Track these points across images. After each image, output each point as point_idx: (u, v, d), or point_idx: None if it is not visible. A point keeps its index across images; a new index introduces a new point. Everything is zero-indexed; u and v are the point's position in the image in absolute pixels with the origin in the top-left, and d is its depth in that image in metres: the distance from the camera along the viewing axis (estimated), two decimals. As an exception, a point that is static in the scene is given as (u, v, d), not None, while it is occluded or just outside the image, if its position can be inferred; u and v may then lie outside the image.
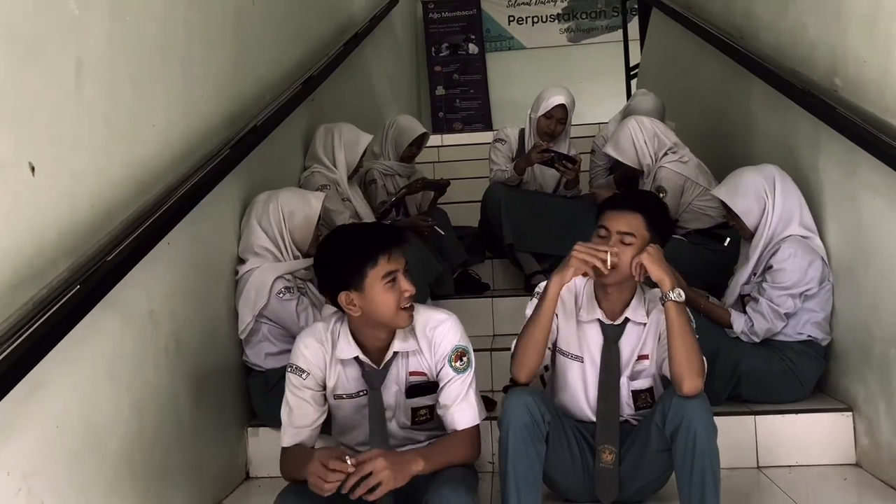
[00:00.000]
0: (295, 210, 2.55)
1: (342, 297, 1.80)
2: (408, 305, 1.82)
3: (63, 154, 1.62)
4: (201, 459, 2.18)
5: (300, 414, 1.87)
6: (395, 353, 1.90)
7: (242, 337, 2.43)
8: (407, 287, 1.80)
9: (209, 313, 2.30)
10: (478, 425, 1.87)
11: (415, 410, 1.94)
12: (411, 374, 1.92)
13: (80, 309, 1.55)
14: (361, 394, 1.92)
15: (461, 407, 1.86)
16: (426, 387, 1.92)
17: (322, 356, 1.89)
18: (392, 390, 1.92)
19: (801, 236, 2.49)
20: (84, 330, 1.58)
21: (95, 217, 1.71)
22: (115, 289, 1.69)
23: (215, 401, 2.31)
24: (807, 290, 2.44)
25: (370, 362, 1.90)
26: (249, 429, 2.51)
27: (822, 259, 2.47)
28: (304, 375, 1.87)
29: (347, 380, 1.91)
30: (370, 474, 1.62)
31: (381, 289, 1.78)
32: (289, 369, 1.90)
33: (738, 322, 2.52)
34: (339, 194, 3.21)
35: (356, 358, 1.89)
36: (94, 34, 1.75)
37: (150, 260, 1.86)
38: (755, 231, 2.56)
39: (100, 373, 1.70)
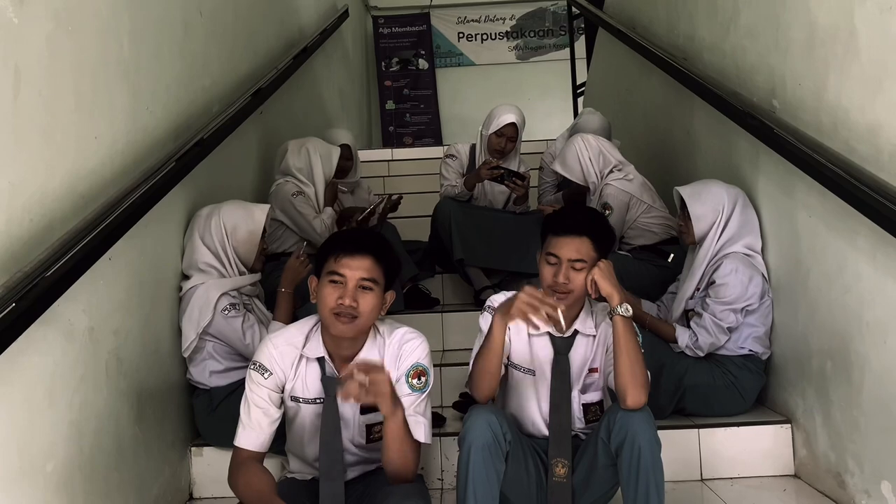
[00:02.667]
0: (238, 224, 2.50)
1: (311, 281, 1.88)
2: (341, 313, 1.80)
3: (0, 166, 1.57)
4: (143, 480, 2.12)
5: (258, 414, 1.86)
6: None
7: (186, 355, 2.37)
8: (346, 297, 1.79)
9: (152, 330, 2.24)
10: (419, 445, 1.86)
11: (370, 427, 1.94)
12: None
13: (16, 327, 1.49)
14: (318, 401, 1.90)
15: (410, 422, 1.84)
16: None
17: (290, 355, 1.89)
18: (350, 402, 1.90)
19: (744, 254, 2.56)
20: (20, 348, 1.52)
21: (34, 231, 1.66)
22: (53, 305, 1.64)
23: (157, 420, 2.25)
24: (748, 306, 2.51)
25: (333, 368, 1.90)
26: (193, 448, 2.45)
27: (763, 275, 2.54)
28: (265, 374, 1.87)
29: (308, 382, 1.90)
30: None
31: (325, 283, 1.83)
32: (251, 367, 1.89)
33: (683, 337, 2.57)
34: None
35: (321, 360, 1.89)
36: (34, 44, 1.70)
37: (90, 275, 1.80)
38: (700, 242, 2.62)
39: (37, 393, 1.64)
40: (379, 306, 1.85)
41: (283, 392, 1.91)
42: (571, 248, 1.99)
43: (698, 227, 2.62)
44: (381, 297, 1.85)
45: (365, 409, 1.92)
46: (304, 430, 1.95)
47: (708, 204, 2.61)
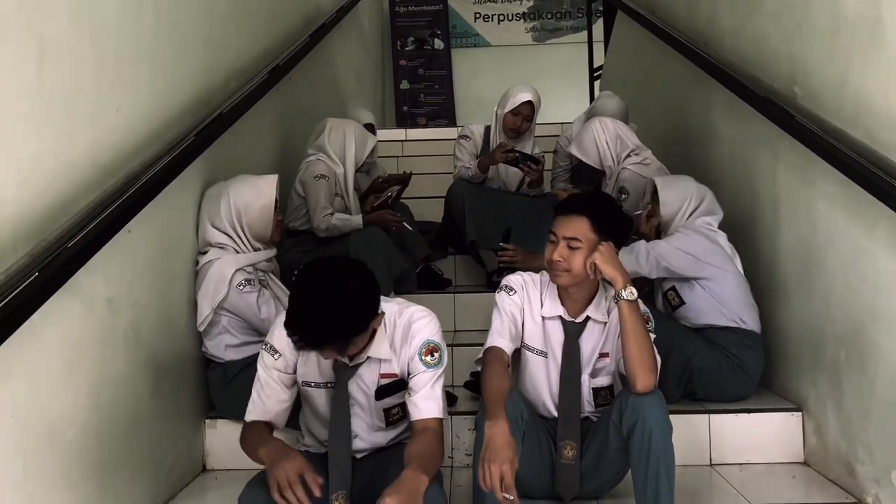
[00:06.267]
0: (250, 202, 2.47)
1: None
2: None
3: (24, 137, 1.58)
4: (158, 451, 2.15)
5: (269, 393, 1.89)
6: (369, 358, 1.91)
7: (201, 329, 2.39)
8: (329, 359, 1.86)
9: (168, 303, 2.26)
10: (441, 420, 1.88)
11: (387, 411, 1.96)
12: (382, 376, 1.93)
13: (39, 296, 1.52)
14: (330, 385, 1.92)
15: (428, 396, 1.86)
16: (395, 386, 1.93)
17: None
18: (362, 389, 1.93)
19: (702, 225, 2.70)
20: (42, 317, 1.54)
21: (56, 202, 1.67)
22: (74, 276, 1.66)
23: (173, 392, 2.27)
24: (695, 255, 2.60)
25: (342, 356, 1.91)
26: (207, 421, 2.48)
27: (720, 246, 2.66)
28: (276, 356, 1.89)
29: (319, 368, 1.92)
30: None
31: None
32: (263, 346, 1.92)
33: None
34: (336, 188, 3.26)
35: None
36: (58, 15, 1.71)
37: (110, 247, 1.82)
38: (666, 227, 2.76)
39: (57, 361, 1.66)
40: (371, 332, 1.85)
41: (294, 373, 1.93)
42: (568, 226, 2.01)
43: (665, 211, 2.75)
44: (370, 330, 1.82)
45: (380, 395, 1.93)
46: (317, 412, 1.98)
47: (676, 192, 2.76)
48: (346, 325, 1.72)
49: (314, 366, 1.92)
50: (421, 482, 1.63)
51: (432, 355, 1.89)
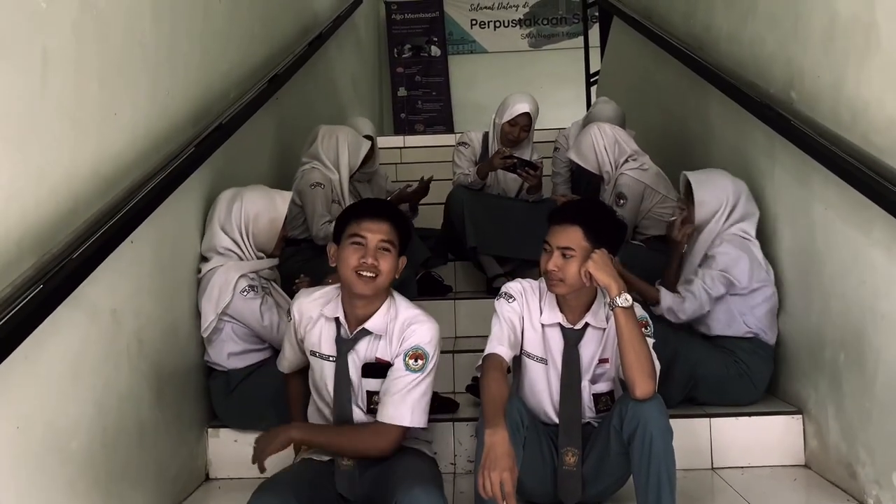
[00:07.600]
0: (261, 212, 2.51)
1: (330, 248, 2.02)
2: (365, 274, 1.91)
3: (28, 149, 1.59)
4: (161, 460, 2.15)
5: (290, 347, 2.13)
6: (367, 332, 1.97)
7: (205, 335, 2.40)
8: (368, 257, 1.91)
9: (171, 312, 2.27)
10: (403, 429, 1.91)
11: (370, 395, 2.00)
12: (377, 359, 1.99)
13: (44, 308, 1.52)
14: (331, 359, 2.00)
15: (398, 402, 1.91)
16: (381, 370, 1.98)
17: (314, 310, 2.04)
18: (357, 365, 1.99)
19: (741, 236, 2.60)
20: (47, 329, 1.55)
21: (60, 213, 1.68)
22: (78, 287, 1.66)
23: (176, 401, 2.28)
24: (738, 280, 2.52)
25: (347, 330, 2.00)
26: (210, 430, 2.49)
27: (758, 261, 2.57)
28: (289, 318, 2.10)
29: (323, 340, 2.02)
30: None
31: (347, 245, 1.95)
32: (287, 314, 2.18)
33: (667, 299, 2.59)
34: (332, 195, 3.27)
35: (337, 320, 2.00)
36: (61, 27, 1.72)
37: (113, 258, 1.83)
38: (700, 228, 2.66)
39: (62, 372, 1.67)
40: (395, 268, 1.97)
41: (301, 341, 2.07)
42: (561, 236, 2.02)
43: (700, 212, 2.64)
44: (396, 260, 1.97)
45: (365, 373, 1.99)
46: (324, 388, 2.03)
47: (716, 191, 2.64)
48: (398, 214, 2.02)
49: (324, 334, 2.01)
50: (288, 431, 1.90)
51: (416, 361, 1.94)
